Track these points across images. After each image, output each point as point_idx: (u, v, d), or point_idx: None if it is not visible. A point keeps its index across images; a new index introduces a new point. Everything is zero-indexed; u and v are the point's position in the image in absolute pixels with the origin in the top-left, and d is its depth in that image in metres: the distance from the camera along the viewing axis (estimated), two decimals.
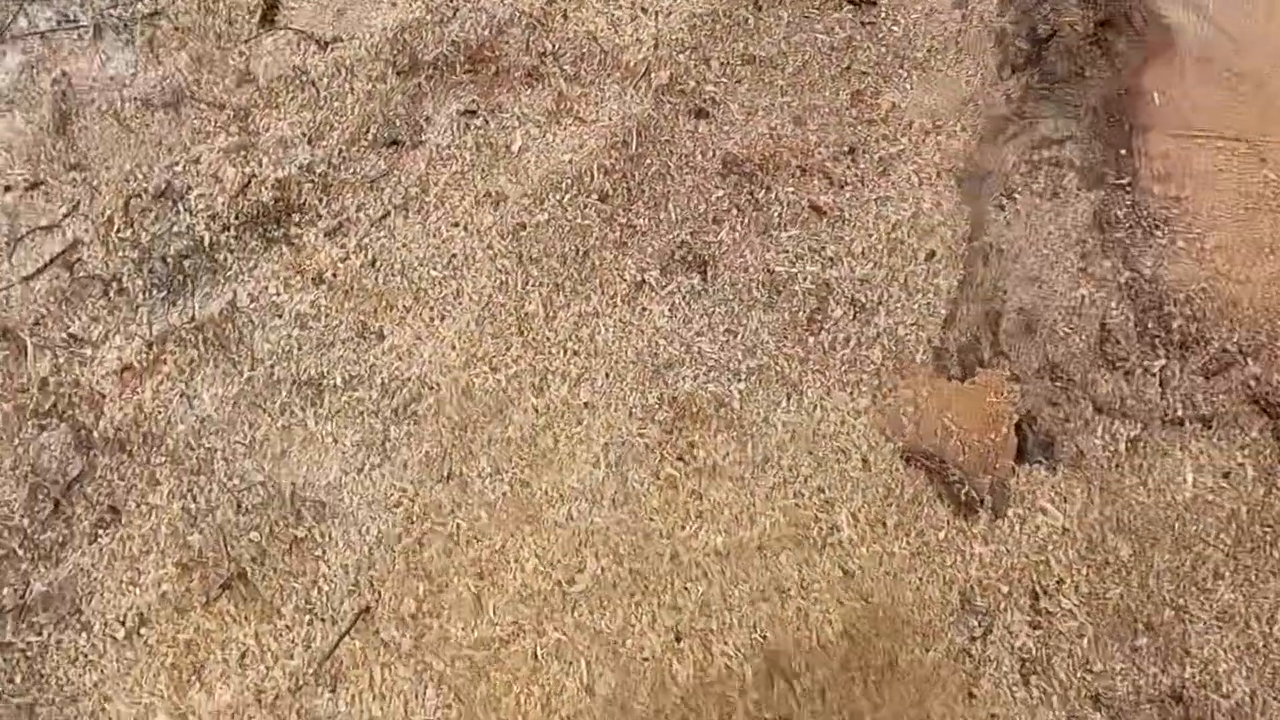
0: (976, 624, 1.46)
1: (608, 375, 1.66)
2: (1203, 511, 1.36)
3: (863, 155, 1.82)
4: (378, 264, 1.75)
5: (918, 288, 1.66)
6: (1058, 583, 1.47)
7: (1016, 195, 1.56)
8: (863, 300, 1.68)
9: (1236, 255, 1.41)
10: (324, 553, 1.52)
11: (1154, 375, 1.36)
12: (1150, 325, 1.37)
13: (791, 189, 1.80)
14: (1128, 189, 1.45)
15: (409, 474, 1.57)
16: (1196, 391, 1.36)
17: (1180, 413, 1.33)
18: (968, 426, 1.55)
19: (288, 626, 1.47)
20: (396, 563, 1.50)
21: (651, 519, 1.55)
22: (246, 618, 1.47)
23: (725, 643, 1.43)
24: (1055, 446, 1.44)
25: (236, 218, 1.75)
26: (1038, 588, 1.47)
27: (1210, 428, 1.35)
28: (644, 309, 1.71)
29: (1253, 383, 1.33)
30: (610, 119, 1.87)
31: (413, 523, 1.54)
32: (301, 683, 1.42)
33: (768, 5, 1.97)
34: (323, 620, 1.46)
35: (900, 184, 1.76)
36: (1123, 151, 1.48)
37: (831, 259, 1.72)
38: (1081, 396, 1.40)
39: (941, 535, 1.53)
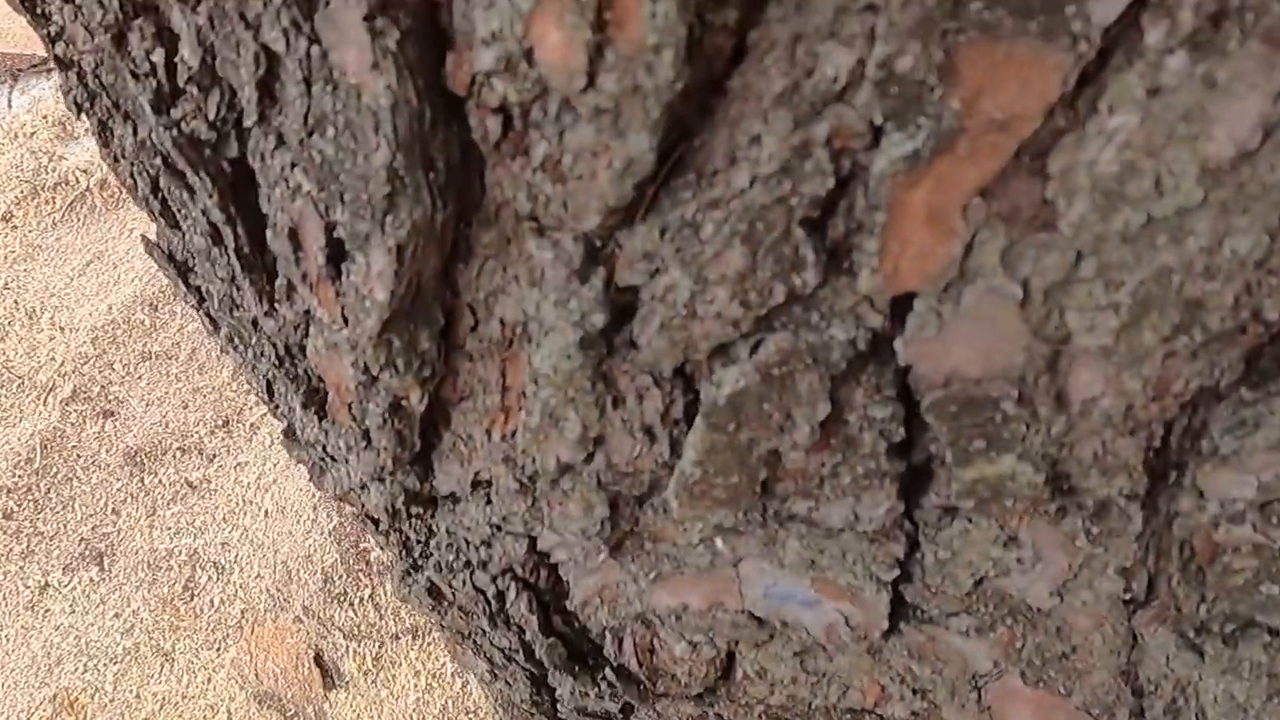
0: None
1: (4, 685, 1.77)
2: (426, 708, 1.55)
3: (235, 425, 2.01)
4: None
5: (259, 541, 1.84)
6: None
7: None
8: (223, 563, 1.84)
9: None
10: None
11: (367, 602, 1.55)
12: (353, 562, 1.58)
13: (173, 470, 1.97)
14: None
15: None
16: (400, 610, 1.56)
17: (395, 629, 1.53)
18: (287, 666, 1.71)
19: None
20: None
21: None
22: None
23: None
24: (340, 672, 1.60)
25: None
26: None
27: (416, 638, 1.54)
28: (46, 610, 1.84)
29: None
30: (19, 439, 2.02)
31: None
32: None
33: (163, 304, 2.17)
34: None
35: (257, 447, 1.95)
36: None
37: (201, 529, 1.89)
38: (333, 629, 1.58)
39: None
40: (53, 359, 2.14)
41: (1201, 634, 0.42)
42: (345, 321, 0.45)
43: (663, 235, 0.32)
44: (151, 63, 0.43)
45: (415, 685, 1.59)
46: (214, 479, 1.95)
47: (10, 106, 2.46)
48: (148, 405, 2.07)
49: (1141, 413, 0.34)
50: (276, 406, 0.73)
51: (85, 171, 2.35)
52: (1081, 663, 0.46)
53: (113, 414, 2.07)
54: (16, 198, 2.32)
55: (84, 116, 0.63)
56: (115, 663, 1.78)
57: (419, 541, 0.71)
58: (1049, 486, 0.37)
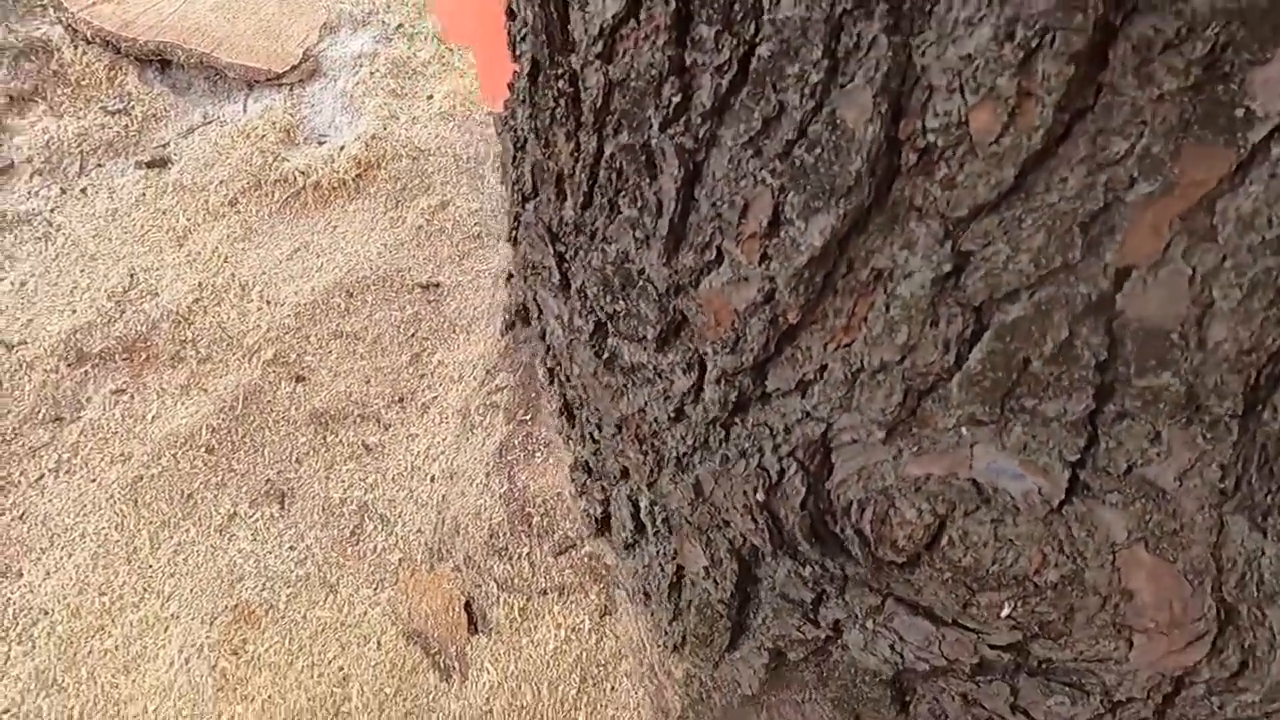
0: None
1: (192, 591, 2.10)
2: (560, 658, 1.83)
3: (410, 402, 2.35)
4: (25, 516, 2.21)
5: (423, 502, 2.16)
6: None
7: (473, 429, 2.09)
8: (389, 516, 2.17)
9: None
10: None
11: (524, 559, 1.85)
12: (517, 522, 1.88)
13: (353, 433, 2.31)
14: (528, 423, 1.99)
15: (19, 685, 1.98)
16: (553, 568, 1.85)
17: (546, 585, 1.82)
18: (438, 609, 2.01)
19: None
20: None
21: (206, 705, 1.96)
22: None
23: None
24: (486, 619, 1.90)
25: None
26: None
27: (562, 594, 1.83)
28: (233, 535, 2.18)
29: (587, 559, 1.82)
30: (225, 389, 2.39)
31: None
32: None
33: (357, 293, 2.55)
34: None
35: (427, 424, 2.29)
36: (533, 396, 2.02)
37: (372, 485, 2.22)
38: (489, 579, 1.88)
39: (430, 698, 1.96)
40: (259, 326, 2.53)
41: (1267, 518, 0.70)
42: (760, 263, 0.76)
43: (999, 225, 0.63)
44: (673, 102, 0.76)
45: (555, 636, 1.87)
46: (388, 445, 2.28)
47: (245, 111, 2.90)
48: (334, 376, 2.43)
49: (1245, 358, 0.63)
50: (596, 342, 1.05)
51: (303, 173, 2.77)
52: (1185, 538, 0.74)
53: (304, 379, 2.43)
54: (243, 187, 2.74)
55: (537, 132, 0.97)
56: (289, 586, 2.10)
57: (695, 448, 1.01)
58: (1185, 399, 0.66)
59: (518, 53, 0.95)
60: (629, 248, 0.92)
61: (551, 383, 1.44)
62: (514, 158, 1.09)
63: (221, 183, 2.76)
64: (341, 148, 2.84)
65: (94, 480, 2.31)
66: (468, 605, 2.03)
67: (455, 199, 2.77)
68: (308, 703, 2.00)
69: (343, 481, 2.32)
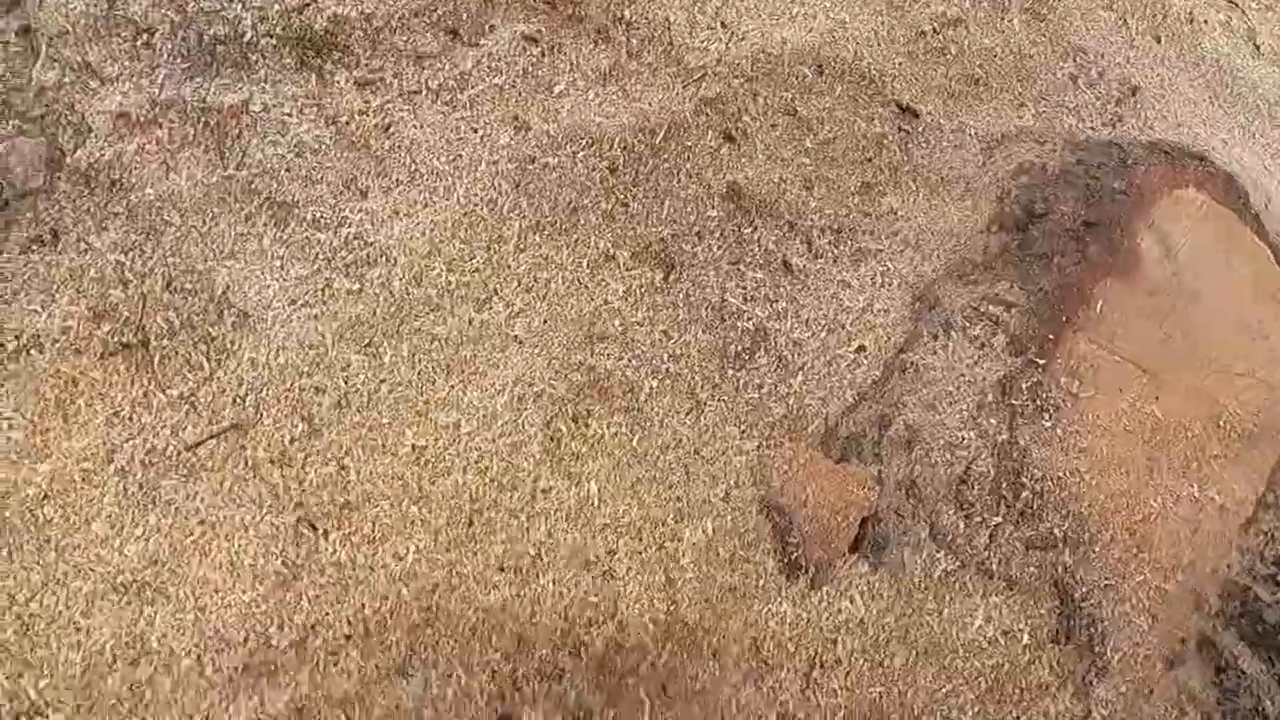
0: (756, 668, 1.53)
1: (545, 321, 1.70)
2: (974, 654, 1.47)
3: (846, 238, 1.89)
4: (390, 130, 1.76)
5: (838, 371, 1.74)
6: (835, 662, 1.56)
7: (952, 332, 1.64)
8: (789, 359, 1.75)
9: (1096, 462, 1.52)
10: (227, 358, 1.52)
11: (988, 528, 1.45)
12: (1003, 486, 1.47)
13: (774, 239, 1.86)
14: (1040, 369, 1.55)
15: (334, 325, 1.59)
16: (1014, 556, 1.46)
17: (994, 567, 1.44)
18: (823, 504, 1.63)
19: (165, 407, 1.46)
20: (288, 396, 1.51)
21: (525, 460, 1.59)
22: (131, 384, 1.47)
23: (539, 591, 1.47)
24: (885, 551, 1.52)
25: (283, 30, 1.74)
26: (818, 661, 1.56)
27: (1011, 589, 1.45)
28: (603, 281, 1.76)
29: (1060, 568, 1.43)
30: (649, 105, 1.90)
31: (318, 369, 1.55)
32: (155, 461, 1.42)
33: (828, 74, 2.02)
34: (199, 415, 1.46)
35: (864, 277, 1.84)
36: (1050, 337, 1.57)
37: (779, 313, 1.79)
38: (924, 519, 1.49)
39: (760, 583, 1.62)
40: (706, 50, 2.01)
41: None
42: None
43: None
44: None
45: (974, 625, 1.51)
46: (811, 277, 1.84)
47: None
48: (769, 158, 1.95)
49: None
50: None
51: None
52: None
53: (734, 142, 1.95)
54: None
55: None
56: (655, 378, 1.71)
57: None
58: None
59: None
60: None
61: None
62: None
63: None
64: None
65: (477, 131, 1.81)
66: (865, 522, 1.64)
67: (971, 23, 2.18)
68: (635, 517, 1.62)
69: (745, 289, 1.85)
